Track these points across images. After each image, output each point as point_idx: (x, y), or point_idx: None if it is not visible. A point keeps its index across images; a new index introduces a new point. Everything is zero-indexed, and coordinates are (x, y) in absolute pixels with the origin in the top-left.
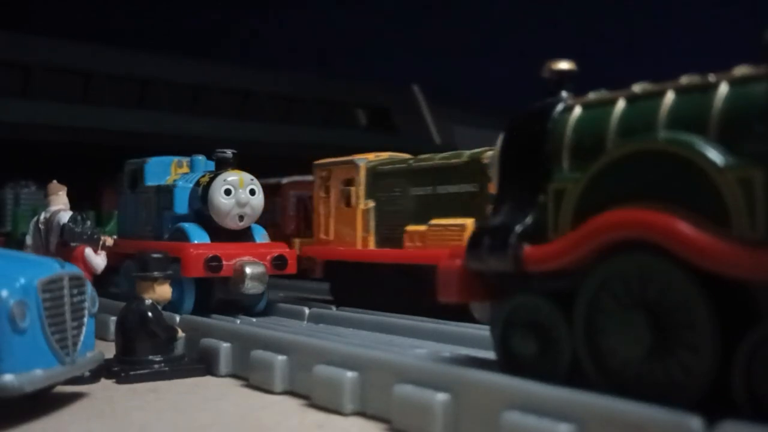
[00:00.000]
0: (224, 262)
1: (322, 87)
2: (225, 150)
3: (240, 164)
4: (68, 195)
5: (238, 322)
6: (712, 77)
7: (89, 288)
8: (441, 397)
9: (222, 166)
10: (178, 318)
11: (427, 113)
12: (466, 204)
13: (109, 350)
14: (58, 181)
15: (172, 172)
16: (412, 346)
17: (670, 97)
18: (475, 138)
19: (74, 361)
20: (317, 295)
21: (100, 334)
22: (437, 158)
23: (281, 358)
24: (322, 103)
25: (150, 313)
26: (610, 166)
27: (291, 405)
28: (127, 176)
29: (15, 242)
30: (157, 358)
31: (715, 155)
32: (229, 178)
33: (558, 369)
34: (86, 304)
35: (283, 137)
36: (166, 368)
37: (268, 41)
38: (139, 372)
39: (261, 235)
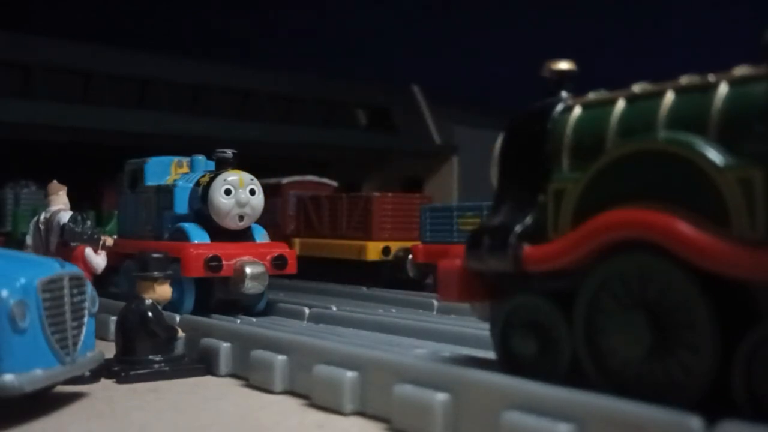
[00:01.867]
0: (224, 262)
1: (322, 87)
2: (225, 150)
3: (240, 164)
4: (68, 195)
5: (238, 322)
6: (712, 77)
7: (89, 288)
8: (441, 397)
9: (222, 166)
10: (178, 318)
11: (427, 113)
12: None
13: (109, 350)
14: (58, 181)
15: (172, 172)
16: (412, 346)
17: (670, 97)
18: (475, 138)
19: (74, 361)
20: None
21: (100, 334)
22: None
23: (281, 358)
24: (322, 103)
25: (150, 313)
26: (610, 166)
27: (291, 405)
28: (127, 176)
29: (15, 242)
30: (157, 358)
31: (715, 155)
32: (229, 178)
33: (558, 369)
34: (86, 304)
35: (283, 137)
36: (166, 368)
37: (268, 41)
38: (139, 372)
39: (261, 235)
